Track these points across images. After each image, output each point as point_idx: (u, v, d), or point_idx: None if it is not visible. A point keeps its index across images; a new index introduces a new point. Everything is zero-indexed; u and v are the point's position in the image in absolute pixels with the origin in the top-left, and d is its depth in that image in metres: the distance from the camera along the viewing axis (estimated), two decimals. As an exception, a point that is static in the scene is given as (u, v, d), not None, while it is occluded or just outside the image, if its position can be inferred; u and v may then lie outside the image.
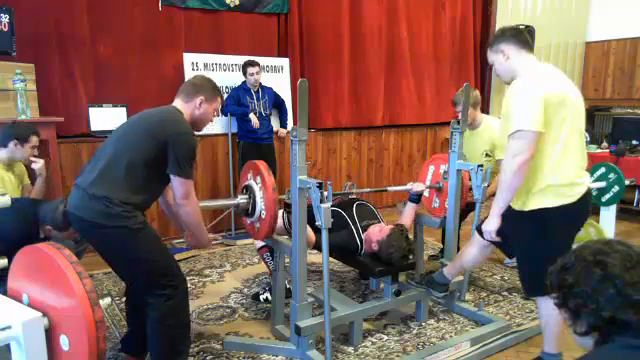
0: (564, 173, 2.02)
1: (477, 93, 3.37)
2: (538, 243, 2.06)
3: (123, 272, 2.19)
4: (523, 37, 2.15)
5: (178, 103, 2.20)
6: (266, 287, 3.15)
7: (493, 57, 2.20)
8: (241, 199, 2.48)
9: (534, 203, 2.04)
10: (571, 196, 2.03)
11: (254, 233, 2.57)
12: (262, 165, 2.41)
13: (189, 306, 2.22)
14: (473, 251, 2.50)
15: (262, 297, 3.11)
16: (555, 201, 2.02)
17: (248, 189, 2.48)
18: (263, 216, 2.41)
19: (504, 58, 2.14)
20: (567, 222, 2.08)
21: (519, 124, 1.93)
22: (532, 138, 1.92)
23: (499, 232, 2.15)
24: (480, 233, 2.40)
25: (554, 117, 1.98)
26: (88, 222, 1.98)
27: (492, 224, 2.12)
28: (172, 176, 2.04)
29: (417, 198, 3.02)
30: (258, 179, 2.42)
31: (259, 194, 2.41)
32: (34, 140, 2.87)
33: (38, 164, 2.92)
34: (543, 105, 1.93)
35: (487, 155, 3.34)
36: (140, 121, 2.14)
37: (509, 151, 1.97)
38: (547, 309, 2.18)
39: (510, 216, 2.10)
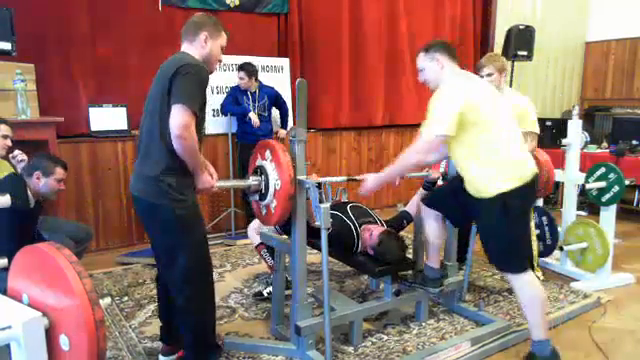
0: (502, 165, 2.23)
1: (504, 59, 3.26)
2: (502, 224, 2.27)
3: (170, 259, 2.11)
4: (453, 50, 2.39)
5: (185, 47, 2.16)
6: (268, 281, 3.15)
7: (426, 63, 2.37)
8: (253, 180, 2.32)
9: (493, 190, 2.23)
10: (519, 179, 2.22)
11: (269, 217, 2.34)
12: (272, 142, 2.29)
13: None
14: (430, 223, 2.63)
15: (265, 292, 3.10)
16: (508, 185, 2.21)
17: (259, 169, 2.33)
18: (277, 196, 2.23)
19: (439, 66, 2.33)
20: (521, 202, 2.28)
21: (429, 128, 2.19)
22: (436, 143, 2.21)
23: (445, 204, 2.52)
24: (425, 203, 2.63)
25: (478, 118, 2.19)
26: (144, 201, 2.04)
27: (371, 184, 2.43)
28: (172, 106, 1.90)
29: (431, 186, 2.95)
30: (267, 153, 2.28)
31: (271, 167, 2.25)
32: (3, 128, 2.75)
33: (19, 156, 2.78)
34: (459, 112, 2.15)
35: None
36: (158, 83, 2.03)
37: (414, 146, 2.26)
38: (523, 290, 2.30)
39: (475, 204, 2.32)
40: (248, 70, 4.29)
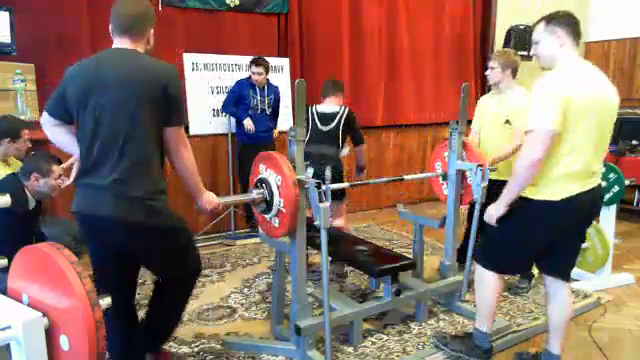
0: (548, 173, 2.03)
1: (515, 57, 3.15)
2: (505, 219, 2.16)
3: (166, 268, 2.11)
4: (579, 30, 2.07)
5: (126, 43, 1.86)
6: None
7: (544, 36, 2.07)
8: (256, 194, 2.27)
9: (526, 192, 2.08)
10: (549, 194, 2.04)
11: (275, 230, 2.30)
12: (269, 153, 2.25)
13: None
14: (486, 275, 2.34)
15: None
16: (536, 195, 2.06)
17: (262, 182, 2.27)
18: (282, 209, 2.21)
19: (558, 43, 2.05)
20: (536, 216, 2.10)
21: (536, 123, 1.93)
22: (547, 137, 1.91)
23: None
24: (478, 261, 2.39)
25: (573, 121, 1.94)
26: (132, 223, 1.81)
27: (498, 210, 2.14)
28: (171, 128, 1.82)
29: None
30: (265, 164, 2.25)
31: (272, 175, 2.21)
32: (28, 133, 2.82)
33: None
34: (563, 107, 1.90)
35: (507, 122, 3.11)
36: (123, 88, 1.77)
37: (524, 148, 1.99)
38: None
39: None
40: (266, 65, 4.30)
